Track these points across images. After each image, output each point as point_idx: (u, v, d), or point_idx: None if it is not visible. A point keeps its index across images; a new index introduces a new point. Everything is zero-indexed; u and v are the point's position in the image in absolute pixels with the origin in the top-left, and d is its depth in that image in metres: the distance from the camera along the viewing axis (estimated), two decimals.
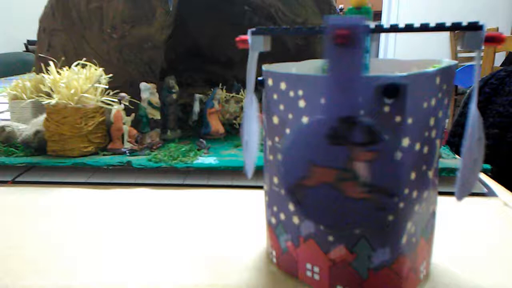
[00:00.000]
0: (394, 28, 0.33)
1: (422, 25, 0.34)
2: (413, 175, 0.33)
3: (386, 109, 0.31)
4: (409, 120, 0.32)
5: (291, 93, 0.34)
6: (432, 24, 0.33)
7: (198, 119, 0.90)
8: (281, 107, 0.36)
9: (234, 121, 0.91)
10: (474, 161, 0.34)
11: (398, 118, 0.31)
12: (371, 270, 0.35)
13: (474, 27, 0.32)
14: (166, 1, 0.82)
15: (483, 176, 0.69)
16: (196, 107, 0.89)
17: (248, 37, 0.37)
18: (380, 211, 0.32)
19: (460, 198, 0.35)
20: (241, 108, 0.91)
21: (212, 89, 0.88)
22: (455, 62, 0.36)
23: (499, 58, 2.02)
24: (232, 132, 0.90)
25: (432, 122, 0.34)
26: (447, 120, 0.37)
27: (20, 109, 0.81)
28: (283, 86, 0.35)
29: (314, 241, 0.37)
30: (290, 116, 0.35)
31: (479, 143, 0.33)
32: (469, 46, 0.33)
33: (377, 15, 3.97)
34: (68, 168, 0.70)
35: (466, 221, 0.53)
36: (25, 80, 0.85)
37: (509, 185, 0.70)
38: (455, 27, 0.33)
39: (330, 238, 0.35)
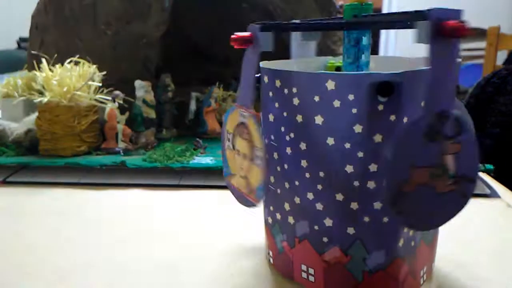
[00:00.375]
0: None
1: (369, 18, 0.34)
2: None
3: (380, 107, 0.30)
4: (405, 119, 0.31)
5: (286, 91, 0.34)
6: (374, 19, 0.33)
7: (194, 118, 0.88)
8: (276, 104, 0.35)
9: None
10: None
11: (392, 117, 0.30)
12: (366, 273, 0.34)
13: (420, 16, 0.29)
14: None
15: (486, 177, 0.67)
16: (193, 106, 0.87)
17: (251, 34, 0.33)
18: (464, 198, 0.32)
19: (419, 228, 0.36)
20: None
21: (209, 87, 0.87)
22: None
23: (501, 57, 2.01)
24: None
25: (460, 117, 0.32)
26: None
27: (11, 107, 0.79)
28: (278, 83, 0.34)
29: (309, 242, 0.36)
30: (284, 114, 0.34)
31: None
32: (418, 39, 0.30)
33: (377, 13, 3.95)
34: (60, 168, 0.69)
35: (469, 223, 0.52)
36: (17, 78, 0.83)
37: (511, 184, 0.69)
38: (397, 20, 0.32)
39: (325, 239, 0.35)
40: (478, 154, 0.31)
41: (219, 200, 0.59)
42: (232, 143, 0.37)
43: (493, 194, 0.61)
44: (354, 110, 0.30)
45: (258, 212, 0.51)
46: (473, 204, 0.57)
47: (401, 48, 3.66)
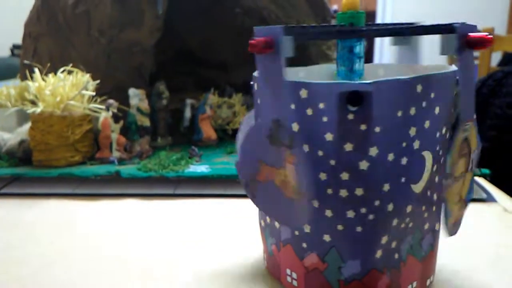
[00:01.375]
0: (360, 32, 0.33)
1: (391, 27, 0.33)
2: (385, 187, 0.32)
3: (350, 116, 0.30)
4: (377, 129, 0.30)
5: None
6: (404, 28, 0.33)
7: (189, 125, 0.87)
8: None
9: (227, 127, 0.89)
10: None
11: (363, 126, 0.30)
12: (342, 282, 0.34)
13: (448, 30, 0.31)
14: (155, 5, 0.80)
15: (482, 181, 0.67)
16: (187, 113, 0.87)
17: (271, 38, 0.30)
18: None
19: (452, 233, 0.36)
20: (234, 113, 0.89)
21: (203, 94, 0.86)
22: (451, 69, 0.34)
23: (495, 58, 2.02)
24: (225, 138, 0.88)
25: (413, 132, 0.32)
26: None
27: (4, 117, 0.78)
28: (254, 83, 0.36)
29: (291, 247, 0.37)
30: None
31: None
32: (445, 51, 0.32)
33: (371, 15, 3.96)
34: (54, 179, 0.68)
35: (466, 228, 0.52)
36: (10, 88, 0.82)
37: (507, 188, 0.68)
38: (428, 31, 0.32)
39: (304, 245, 0.35)
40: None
41: (215, 209, 0.59)
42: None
43: (490, 199, 0.61)
44: (325, 119, 0.31)
45: (255, 222, 0.50)
46: (470, 209, 0.57)
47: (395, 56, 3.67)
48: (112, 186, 0.66)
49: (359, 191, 0.32)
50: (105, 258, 0.46)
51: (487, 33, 0.31)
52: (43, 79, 0.72)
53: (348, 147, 0.31)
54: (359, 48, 0.35)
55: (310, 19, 0.93)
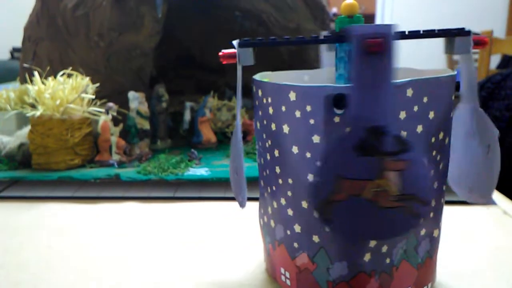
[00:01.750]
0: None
1: (411, 32, 0.34)
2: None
3: (336, 119, 0.31)
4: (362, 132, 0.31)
5: (264, 100, 0.35)
6: (422, 31, 0.34)
7: (189, 128, 0.87)
8: (260, 113, 0.37)
9: (227, 130, 0.89)
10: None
11: (348, 129, 0.30)
12: (330, 283, 0.35)
13: (464, 33, 0.34)
14: (154, 8, 0.80)
15: None
16: (187, 116, 0.87)
17: (235, 50, 0.35)
18: (414, 218, 0.32)
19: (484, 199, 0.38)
20: (234, 116, 0.89)
21: (203, 97, 0.86)
22: (447, 74, 0.34)
23: (494, 61, 2.02)
24: (225, 141, 0.88)
25: (403, 136, 0.32)
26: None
27: (4, 120, 0.78)
28: (259, 93, 0.36)
29: (284, 246, 0.37)
30: (264, 122, 0.36)
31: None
32: (459, 51, 0.34)
33: (371, 18, 3.97)
34: (53, 182, 0.68)
35: (465, 230, 0.52)
36: (9, 91, 0.82)
37: (507, 190, 0.68)
38: (444, 34, 0.34)
39: (295, 245, 0.36)
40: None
41: (214, 212, 0.59)
42: None
43: (489, 201, 0.61)
44: (312, 121, 0.31)
45: (256, 225, 0.50)
46: (469, 212, 0.58)
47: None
48: (111, 189, 0.66)
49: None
50: (105, 261, 0.46)
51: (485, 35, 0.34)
52: (42, 83, 0.72)
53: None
54: None
55: (309, 22, 0.93)
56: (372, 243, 0.33)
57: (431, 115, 0.33)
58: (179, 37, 1.11)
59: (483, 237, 0.51)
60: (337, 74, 0.37)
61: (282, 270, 0.38)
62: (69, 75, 0.74)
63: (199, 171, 0.69)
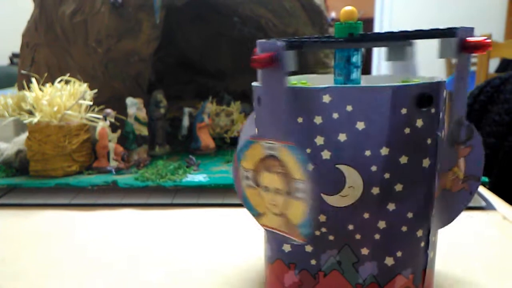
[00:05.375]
0: (357, 39, 0.33)
1: (390, 33, 0.33)
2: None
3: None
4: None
5: (339, 109, 0.34)
6: (404, 33, 0.33)
7: (187, 133, 0.87)
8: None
9: (225, 135, 0.89)
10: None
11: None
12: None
13: (448, 33, 0.31)
14: (152, 14, 0.80)
15: (481, 189, 0.67)
16: (185, 122, 0.87)
17: (273, 53, 0.29)
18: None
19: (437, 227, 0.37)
20: (232, 121, 0.89)
21: (201, 102, 0.86)
22: (414, 82, 0.33)
23: (492, 64, 2.02)
24: (223, 146, 0.88)
25: (320, 141, 0.31)
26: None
27: (1, 127, 0.78)
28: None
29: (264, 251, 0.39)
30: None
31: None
32: (444, 54, 0.32)
33: (369, 22, 3.98)
34: (51, 189, 0.67)
35: (465, 236, 0.52)
36: (7, 97, 0.82)
37: (506, 195, 0.68)
38: (428, 35, 0.32)
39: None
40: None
41: (213, 219, 0.58)
42: (253, 180, 0.34)
43: (489, 206, 0.61)
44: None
45: (255, 231, 0.50)
46: (469, 217, 0.57)
47: (394, 66, 3.67)
48: (109, 196, 0.66)
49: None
50: (103, 269, 0.46)
51: (485, 37, 0.31)
52: (40, 89, 0.72)
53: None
54: (356, 58, 0.35)
55: (307, 28, 0.93)
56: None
57: (360, 126, 0.31)
58: (177, 42, 1.11)
59: (483, 243, 0.50)
60: (335, 80, 0.37)
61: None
62: (67, 82, 0.74)
63: (198, 177, 0.68)
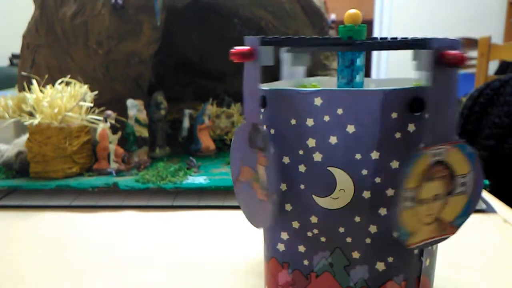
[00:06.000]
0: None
1: (365, 42, 0.33)
2: (283, 186, 0.34)
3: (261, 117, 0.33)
4: (272, 131, 0.33)
5: (335, 112, 0.35)
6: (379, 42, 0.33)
7: (187, 135, 0.87)
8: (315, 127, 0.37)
9: (225, 137, 0.89)
10: None
11: (264, 127, 0.33)
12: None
13: (420, 45, 0.30)
14: (153, 16, 0.80)
15: (481, 192, 0.67)
16: (186, 123, 0.87)
17: (251, 47, 0.32)
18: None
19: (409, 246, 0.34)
20: (232, 123, 0.89)
21: (202, 104, 0.86)
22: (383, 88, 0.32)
23: (492, 66, 2.02)
24: (223, 148, 0.88)
25: (311, 143, 0.32)
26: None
27: (1, 128, 0.78)
28: (321, 103, 0.36)
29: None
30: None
31: None
32: (419, 67, 0.31)
33: (369, 24, 3.98)
34: (51, 191, 0.67)
35: (465, 239, 0.52)
36: (7, 98, 0.82)
37: (506, 197, 0.68)
38: (401, 45, 0.32)
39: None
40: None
41: (213, 221, 0.58)
42: (413, 199, 0.31)
43: (489, 209, 0.61)
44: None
45: (256, 234, 0.50)
46: (469, 220, 0.57)
47: (393, 70, 3.68)
48: (109, 198, 0.66)
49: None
50: (103, 271, 0.45)
51: (461, 52, 0.28)
52: (41, 91, 0.71)
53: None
54: (360, 61, 0.35)
55: (307, 29, 0.93)
56: (284, 235, 0.35)
57: (350, 129, 0.31)
58: (178, 44, 1.11)
59: (483, 246, 0.50)
60: (338, 83, 0.37)
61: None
62: (68, 83, 0.74)
63: (198, 179, 0.68)
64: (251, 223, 0.36)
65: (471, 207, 0.32)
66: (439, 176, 0.31)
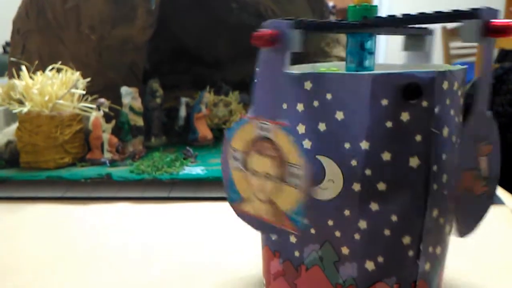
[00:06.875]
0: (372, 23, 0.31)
1: (406, 16, 0.31)
2: None
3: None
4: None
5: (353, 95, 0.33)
6: (422, 15, 0.31)
7: (184, 124, 0.85)
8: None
9: (223, 126, 0.87)
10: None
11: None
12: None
13: (469, 15, 0.29)
14: (148, 0, 0.77)
15: None
16: (182, 112, 0.85)
17: (278, 31, 0.27)
18: (490, 199, 0.34)
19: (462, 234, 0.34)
20: (231, 112, 0.87)
21: (199, 92, 0.84)
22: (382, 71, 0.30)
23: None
24: (221, 138, 0.85)
25: (301, 129, 0.31)
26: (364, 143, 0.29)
27: None
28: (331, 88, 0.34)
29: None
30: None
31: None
32: (465, 38, 0.29)
33: None
34: (42, 182, 0.65)
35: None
36: None
37: (509, 187, 0.67)
38: (447, 17, 0.31)
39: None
40: (500, 154, 0.33)
41: (211, 213, 0.57)
42: (242, 162, 0.32)
43: (497, 201, 0.59)
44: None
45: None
46: None
47: (393, 56, 3.66)
48: (103, 189, 0.64)
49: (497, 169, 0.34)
50: (96, 264, 0.44)
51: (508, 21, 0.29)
52: (31, 77, 0.69)
53: None
54: (371, 43, 0.33)
55: (307, 14, 0.90)
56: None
57: (339, 116, 0.29)
58: (173, 30, 1.08)
59: (491, 238, 0.49)
60: (347, 67, 0.35)
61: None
62: (59, 70, 0.72)
63: (195, 170, 0.66)
64: (463, 233, 0.35)
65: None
66: (268, 154, 0.30)
